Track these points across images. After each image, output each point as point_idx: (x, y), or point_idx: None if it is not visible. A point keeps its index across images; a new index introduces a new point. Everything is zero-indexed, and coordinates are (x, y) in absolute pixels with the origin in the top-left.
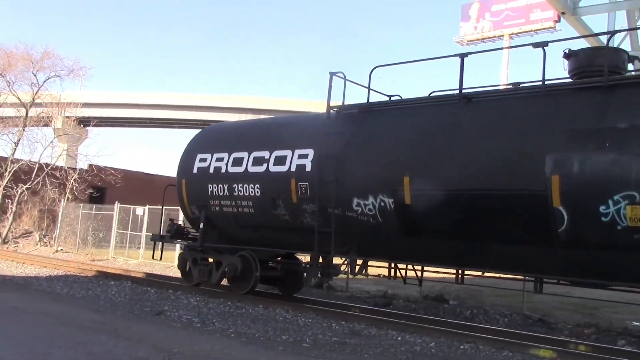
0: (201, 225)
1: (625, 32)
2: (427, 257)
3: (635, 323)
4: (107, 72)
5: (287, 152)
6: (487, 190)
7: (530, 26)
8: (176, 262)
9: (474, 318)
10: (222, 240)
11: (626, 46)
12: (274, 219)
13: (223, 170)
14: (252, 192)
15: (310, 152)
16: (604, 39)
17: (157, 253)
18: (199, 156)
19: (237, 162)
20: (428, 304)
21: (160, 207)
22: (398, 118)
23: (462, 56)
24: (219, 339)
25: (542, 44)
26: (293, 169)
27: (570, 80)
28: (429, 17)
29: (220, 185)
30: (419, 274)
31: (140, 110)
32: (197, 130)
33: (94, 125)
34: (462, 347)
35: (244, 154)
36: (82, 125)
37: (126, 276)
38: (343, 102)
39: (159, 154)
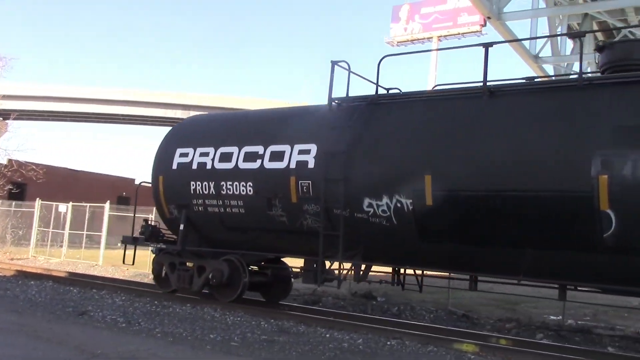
0: (181, 227)
1: (546, 39)
2: (448, 263)
3: (552, 317)
4: (30, 64)
5: (285, 147)
6: (522, 192)
7: (458, 29)
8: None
9: (401, 314)
10: (204, 244)
11: (547, 52)
12: (268, 221)
13: (209, 167)
14: (243, 190)
15: (313, 148)
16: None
17: (129, 256)
18: (179, 150)
19: (226, 157)
20: (357, 301)
21: (96, 205)
22: (416, 111)
23: (487, 46)
24: (144, 339)
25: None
26: (293, 165)
27: (600, 74)
28: (361, 17)
29: (205, 182)
30: (419, 279)
31: (62, 104)
32: (121, 126)
33: (15, 119)
34: (389, 342)
35: (234, 149)
36: (1, 119)
37: (47, 275)
38: (347, 94)
39: (87, 148)
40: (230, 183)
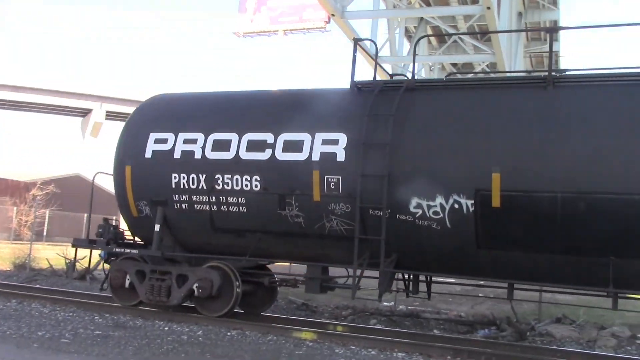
0: (157, 228)
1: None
2: (512, 273)
3: (385, 304)
4: None
5: (304, 136)
6: (616, 195)
7: (303, 24)
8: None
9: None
10: (177, 248)
11: (386, 52)
12: (278, 222)
13: (198, 156)
14: (246, 185)
15: (342, 138)
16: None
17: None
18: (154, 136)
19: (222, 145)
20: None
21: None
22: (473, 100)
23: (551, 31)
24: None
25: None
26: (316, 157)
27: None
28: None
29: (193, 175)
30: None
31: None
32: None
33: None
34: (229, 333)
35: (232, 136)
36: None
37: None
38: (374, 77)
39: None
40: (229, 176)
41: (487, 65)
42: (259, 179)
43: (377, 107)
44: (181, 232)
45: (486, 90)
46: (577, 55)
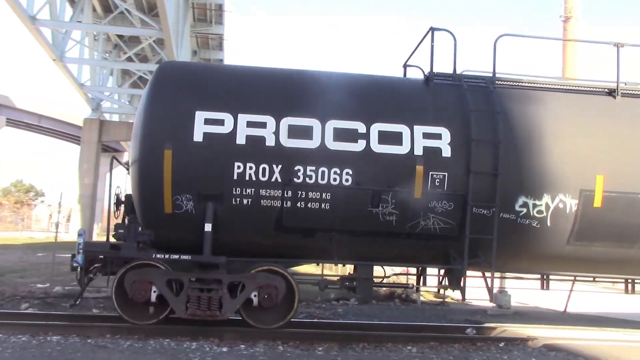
0: (208, 227)
1: None
2: (597, 267)
3: (39, 285)
4: None
5: (401, 128)
6: None
7: None
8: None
9: None
10: (219, 250)
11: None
12: (364, 220)
13: (271, 143)
14: (334, 179)
15: (445, 133)
16: None
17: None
18: (202, 115)
19: (301, 132)
20: None
21: None
22: (578, 104)
23: (618, 46)
24: None
25: None
26: (418, 151)
27: None
28: None
29: (264, 165)
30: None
31: None
32: None
33: None
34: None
35: (313, 121)
36: None
37: None
38: (454, 71)
39: None
40: (312, 168)
41: (154, 41)
42: (350, 172)
43: (484, 103)
44: (229, 233)
45: (594, 97)
46: None
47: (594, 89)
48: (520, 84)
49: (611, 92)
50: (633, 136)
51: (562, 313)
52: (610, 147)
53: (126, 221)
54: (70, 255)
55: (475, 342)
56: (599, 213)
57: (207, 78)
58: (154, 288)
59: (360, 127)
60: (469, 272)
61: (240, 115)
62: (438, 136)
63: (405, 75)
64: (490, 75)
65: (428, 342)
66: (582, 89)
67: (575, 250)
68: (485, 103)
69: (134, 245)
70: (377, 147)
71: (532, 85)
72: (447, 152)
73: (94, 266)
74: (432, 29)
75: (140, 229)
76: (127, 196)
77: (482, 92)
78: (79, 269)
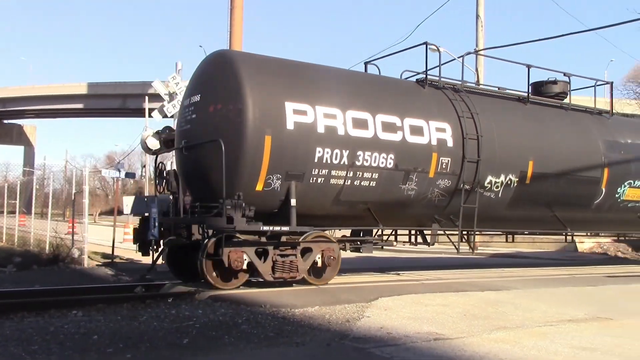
0: (293, 202)
1: None
2: (526, 223)
3: None
4: None
5: (422, 123)
6: (574, 174)
7: None
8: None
9: None
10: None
11: None
12: (394, 193)
13: (341, 132)
14: (382, 162)
15: (447, 127)
16: None
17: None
18: (291, 106)
19: (360, 123)
20: None
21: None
22: (516, 112)
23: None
24: None
25: None
26: (434, 142)
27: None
28: None
29: (336, 150)
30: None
31: None
32: None
33: None
34: None
35: (366, 115)
36: None
37: None
38: (439, 79)
39: None
40: (369, 153)
41: None
42: (393, 157)
43: (471, 107)
44: (305, 205)
45: (527, 105)
46: None
47: (519, 97)
48: (480, 90)
49: (522, 100)
50: (544, 133)
51: None
52: (535, 141)
53: (170, 197)
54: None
55: (145, 300)
56: (528, 187)
57: (290, 72)
58: (245, 256)
59: (397, 121)
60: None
61: (317, 107)
62: (444, 130)
63: (366, 70)
64: (459, 81)
65: (95, 304)
66: (512, 97)
67: (510, 213)
68: (466, 105)
69: (244, 220)
70: (409, 138)
71: (487, 92)
72: (450, 143)
73: (168, 238)
74: (427, 44)
75: (243, 204)
76: (172, 172)
77: (460, 96)
78: (153, 241)
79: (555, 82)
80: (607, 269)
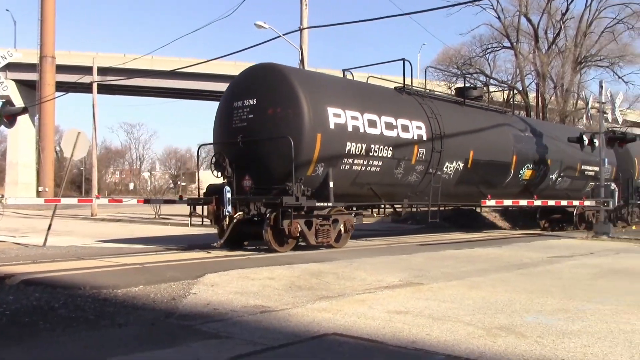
0: (331, 184)
1: None
2: (465, 198)
3: None
4: None
5: (407, 122)
6: (496, 161)
7: None
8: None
9: None
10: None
11: None
12: (389, 177)
13: (361, 130)
14: (385, 153)
15: (423, 125)
16: None
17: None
18: (331, 110)
19: (372, 123)
20: None
21: None
22: (463, 112)
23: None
24: None
25: None
26: (415, 137)
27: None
28: None
29: (359, 144)
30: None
31: None
32: None
33: None
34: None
35: (375, 117)
36: None
37: None
38: (411, 85)
39: None
40: (378, 147)
41: None
42: (391, 149)
43: (435, 109)
44: (334, 186)
45: (469, 108)
46: None
47: (456, 100)
48: (436, 95)
49: (459, 102)
50: (477, 128)
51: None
52: (473, 135)
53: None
54: None
55: None
56: (469, 170)
57: (327, 83)
58: (299, 226)
59: (393, 121)
60: None
61: (347, 111)
62: (420, 127)
63: (344, 75)
64: (422, 89)
65: None
66: (452, 99)
67: (454, 188)
68: (430, 108)
69: (304, 198)
70: (401, 134)
71: (439, 97)
72: (425, 137)
73: (238, 213)
74: (404, 60)
75: (302, 186)
76: (227, 161)
77: (426, 100)
78: (227, 216)
79: (475, 87)
80: (419, 238)
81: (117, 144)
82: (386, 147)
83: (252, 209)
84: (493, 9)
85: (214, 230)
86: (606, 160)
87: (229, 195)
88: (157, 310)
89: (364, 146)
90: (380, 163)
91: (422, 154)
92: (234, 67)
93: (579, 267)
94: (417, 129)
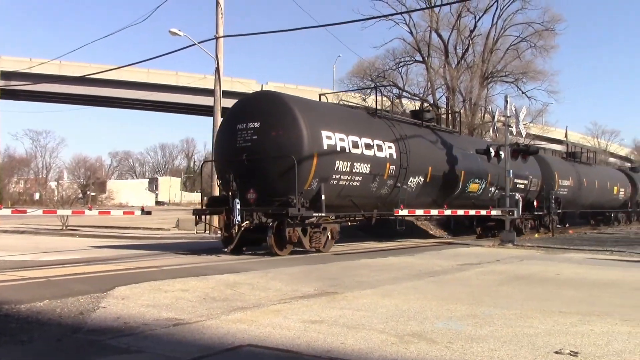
0: (323, 197)
1: None
2: (424, 205)
3: None
4: None
5: (381, 142)
6: (442, 173)
7: None
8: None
9: None
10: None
11: None
12: (366, 190)
13: (347, 150)
14: (364, 170)
15: (393, 145)
16: None
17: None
18: (324, 133)
19: (355, 144)
20: None
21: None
22: (423, 135)
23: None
24: None
25: None
26: (387, 156)
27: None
28: None
29: (345, 162)
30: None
31: None
32: None
33: None
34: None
35: (357, 138)
36: None
37: None
38: (382, 110)
39: None
40: (359, 164)
41: None
42: (369, 166)
43: (401, 132)
44: (325, 199)
45: (432, 131)
46: None
47: (415, 122)
48: (400, 118)
49: (418, 124)
50: (434, 147)
51: None
52: (431, 154)
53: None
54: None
55: None
56: (428, 184)
57: (320, 109)
58: (297, 233)
59: (370, 142)
60: None
61: (336, 133)
62: (391, 147)
63: (319, 99)
64: (388, 112)
65: None
66: (411, 121)
67: (416, 200)
68: (397, 130)
69: (304, 209)
70: (377, 154)
71: (402, 119)
72: (395, 156)
73: (245, 222)
74: (376, 86)
75: (302, 199)
76: (231, 177)
77: (394, 122)
78: (237, 225)
79: (428, 110)
80: (335, 248)
81: (22, 151)
82: (365, 165)
83: (255, 219)
84: (406, 23)
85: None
86: (527, 172)
87: (238, 206)
88: (63, 326)
89: (349, 164)
90: (360, 178)
91: (392, 170)
92: (147, 74)
93: (486, 274)
94: (388, 149)
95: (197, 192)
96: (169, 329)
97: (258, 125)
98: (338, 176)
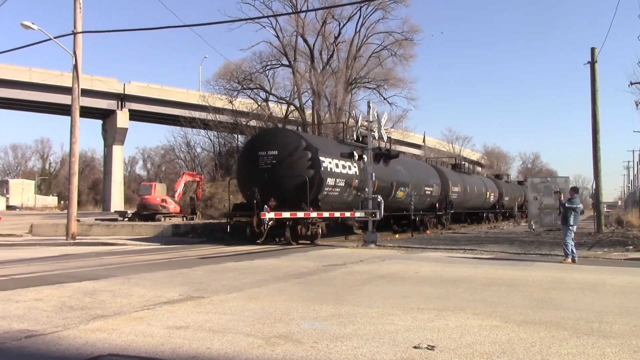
0: (320, 204)
1: None
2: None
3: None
4: None
5: (350, 163)
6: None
7: None
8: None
9: None
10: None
11: None
12: (342, 198)
13: (334, 170)
14: (340, 183)
15: (356, 165)
16: None
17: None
18: (322, 158)
19: (337, 165)
20: None
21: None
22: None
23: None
24: None
25: None
26: (354, 172)
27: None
28: None
29: (332, 179)
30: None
31: None
32: None
33: None
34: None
35: (337, 161)
36: None
37: None
38: (350, 136)
39: None
40: (339, 180)
41: None
42: (344, 181)
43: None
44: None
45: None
46: None
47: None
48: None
49: (364, 148)
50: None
51: None
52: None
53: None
54: None
55: None
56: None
57: (319, 141)
58: (304, 229)
59: (344, 163)
60: None
61: (327, 158)
62: (356, 166)
63: (305, 130)
64: (349, 138)
65: None
66: (362, 146)
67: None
68: (357, 151)
69: (309, 210)
70: (348, 171)
71: (359, 144)
72: (358, 173)
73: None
74: (343, 123)
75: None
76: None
77: (354, 146)
78: (265, 224)
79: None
80: (201, 251)
81: None
82: (341, 180)
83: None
84: (272, 27)
85: None
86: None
87: (267, 209)
88: None
89: (334, 180)
90: (339, 190)
91: (357, 182)
92: None
93: (351, 274)
94: (354, 167)
95: (53, 195)
96: (20, 342)
97: (276, 152)
98: (328, 189)
